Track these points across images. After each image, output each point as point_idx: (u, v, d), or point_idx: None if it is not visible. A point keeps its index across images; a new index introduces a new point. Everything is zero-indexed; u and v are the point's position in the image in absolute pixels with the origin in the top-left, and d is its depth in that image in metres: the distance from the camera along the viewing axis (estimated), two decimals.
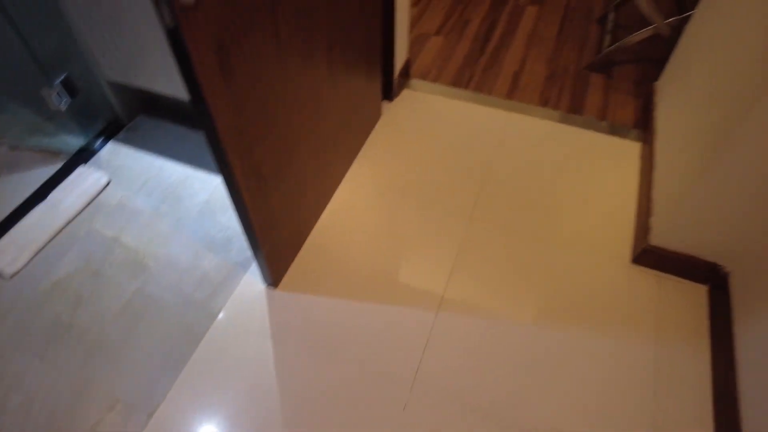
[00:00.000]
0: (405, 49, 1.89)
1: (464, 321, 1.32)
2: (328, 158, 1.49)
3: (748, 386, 1.10)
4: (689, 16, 1.74)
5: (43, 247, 1.49)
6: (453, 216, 1.55)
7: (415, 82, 1.99)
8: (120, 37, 1.53)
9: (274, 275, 1.35)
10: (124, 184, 1.66)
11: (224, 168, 1.00)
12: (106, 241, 1.50)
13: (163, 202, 1.60)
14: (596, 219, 1.53)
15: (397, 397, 1.19)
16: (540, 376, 1.22)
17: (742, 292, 1.25)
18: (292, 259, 1.44)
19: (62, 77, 1.62)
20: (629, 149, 1.73)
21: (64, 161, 1.72)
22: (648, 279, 1.40)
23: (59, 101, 1.63)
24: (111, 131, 1.84)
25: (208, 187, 1.64)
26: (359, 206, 1.58)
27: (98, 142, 1.81)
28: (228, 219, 1.55)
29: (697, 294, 1.37)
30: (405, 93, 1.94)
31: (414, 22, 2.27)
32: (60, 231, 1.53)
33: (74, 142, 1.75)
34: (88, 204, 1.61)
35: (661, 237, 1.34)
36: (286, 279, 1.40)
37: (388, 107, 1.89)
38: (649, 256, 1.39)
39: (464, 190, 1.62)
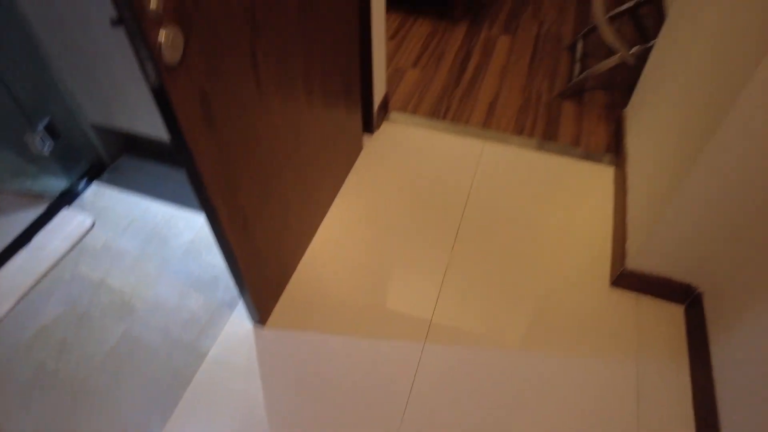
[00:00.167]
0: (383, 83, 1.95)
1: (451, 350, 1.34)
2: (312, 194, 1.52)
3: (725, 400, 1.13)
4: (652, 45, 1.83)
5: (27, 293, 1.49)
6: (436, 247, 1.58)
7: (394, 114, 2.04)
8: (102, 80, 1.56)
9: (261, 313, 1.36)
10: (108, 226, 1.67)
11: (209, 212, 1.02)
12: (91, 285, 1.50)
13: (149, 242, 1.61)
14: (575, 244, 1.58)
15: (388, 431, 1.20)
16: (527, 400, 1.25)
17: (714, 311, 1.29)
18: (279, 296, 1.45)
19: (45, 122, 1.64)
20: (603, 174, 1.79)
21: (48, 204, 1.72)
22: (627, 301, 1.44)
23: (42, 146, 1.65)
24: (94, 172, 1.85)
25: (192, 226, 1.65)
26: (344, 240, 1.61)
27: (82, 184, 1.81)
28: (213, 258, 1.56)
29: (675, 314, 1.41)
30: (385, 126, 1.99)
31: (391, 57, 2.34)
32: (44, 276, 1.53)
33: (57, 184, 1.76)
34: (73, 247, 1.61)
35: (636, 260, 1.39)
36: (274, 316, 1.41)
37: (369, 140, 1.93)
38: (626, 279, 1.43)
39: (446, 220, 1.65)
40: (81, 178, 1.82)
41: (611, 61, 2.00)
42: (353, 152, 1.82)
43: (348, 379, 1.29)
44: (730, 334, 1.19)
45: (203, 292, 1.47)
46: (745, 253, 1.20)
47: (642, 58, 1.92)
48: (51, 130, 1.66)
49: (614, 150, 1.88)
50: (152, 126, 1.65)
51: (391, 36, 2.47)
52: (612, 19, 2.37)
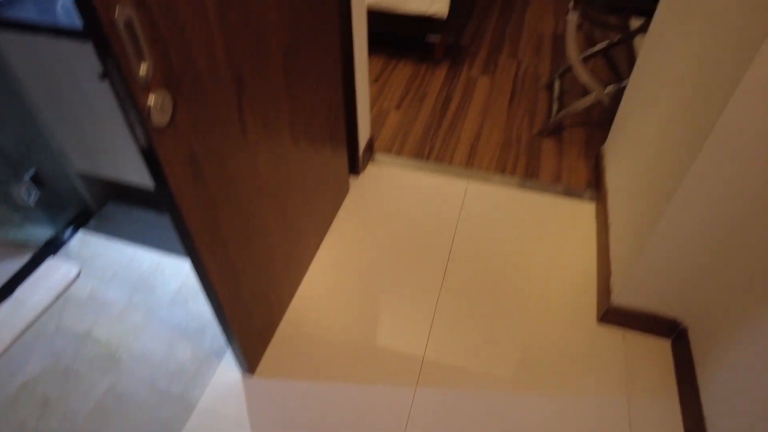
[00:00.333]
0: (368, 125, 2.00)
1: (442, 394, 1.33)
2: (300, 238, 1.53)
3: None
4: (625, 85, 1.91)
5: (9, 348, 1.45)
6: (425, 287, 1.59)
7: (379, 156, 2.08)
8: (89, 130, 1.57)
9: (250, 362, 1.34)
10: (94, 275, 1.65)
11: (197, 265, 1.02)
12: (76, 337, 1.48)
13: (135, 291, 1.60)
14: (561, 281, 1.60)
15: None
16: None
17: (700, 346, 1.31)
18: (268, 343, 1.44)
19: (31, 173, 1.64)
20: (585, 210, 1.83)
21: (32, 253, 1.70)
22: (614, 337, 1.46)
23: (28, 196, 1.64)
24: (81, 220, 1.85)
25: (179, 273, 1.65)
26: (332, 282, 1.61)
27: (68, 232, 1.80)
28: (201, 306, 1.55)
29: (662, 348, 1.43)
30: (371, 167, 2.03)
31: (374, 99, 2.40)
32: (26, 329, 1.50)
33: (42, 233, 1.75)
34: (58, 298, 1.58)
35: (621, 296, 1.41)
36: (263, 364, 1.40)
37: (355, 182, 1.96)
38: (613, 315, 1.45)
39: (434, 260, 1.67)
40: (67, 226, 1.82)
41: (587, 100, 2.07)
42: (340, 194, 1.85)
43: (339, 429, 1.27)
44: (716, 368, 1.21)
45: (191, 342, 1.46)
46: (726, 288, 1.23)
47: (617, 97, 2.00)
48: (37, 180, 1.66)
49: (595, 186, 1.93)
50: (139, 174, 1.66)
51: (375, 79, 2.53)
52: (586, 60, 2.47)
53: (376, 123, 2.27)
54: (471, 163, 2.04)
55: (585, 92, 2.38)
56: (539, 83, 2.52)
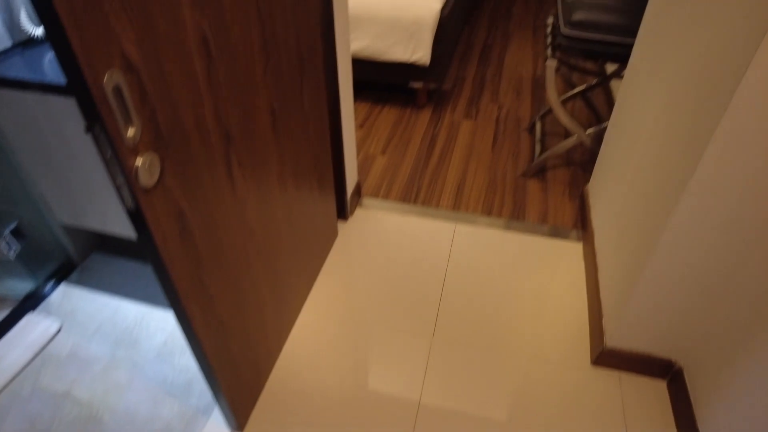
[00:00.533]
0: (355, 170, 2.01)
1: None
2: (289, 288, 1.51)
3: None
4: (605, 126, 1.96)
5: None
6: (417, 334, 1.57)
7: (367, 200, 2.09)
8: (73, 182, 1.56)
9: (238, 418, 1.30)
10: (76, 330, 1.60)
11: (183, 321, 1.00)
12: (54, 398, 1.42)
13: (119, 346, 1.55)
14: (553, 323, 1.59)
15: None
16: None
17: (696, 386, 1.30)
18: (257, 397, 1.40)
19: (12, 226, 1.61)
20: (572, 250, 1.84)
21: (11, 309, 1.65)
22: (610, 379, 1.44)
23: (8, 250, 1.61)
24: (63, 272, 1.81)
25: (165, 327, 1.60)
26: (322, 332, 1.58)
27: (48, 286, 1.76)
28: (187, 360, 1.50)
29: (659, 389, 1.41)
30: (358, 211, 2.03)
31: (360, 144, 2.43)
32: (1, 391, 1.43)
33: (22, 287, 1.70)
34: (36, 356, 1.53)
35: (615, 338, 1.40)
36: (252, 420, 1.35)
37: (343, 227, 1.96)
38: (607, 357, 1.44)
39: (425, 304, 1.65)
40: (48, 279, 1.77)
41: (569, 142, 2.12)
42: (328, 240, 1.84)
43: None
44: (714, 407, 1.19)
45: (177, 398, 1.40)
46: (719, 327, 1.23)
47: (598, 137, 2.05)
48: (18, 233, 1.63)
49: (581, 226, 1.95)
50: (125, 226, 1.64)
51: (360, 125, 2.57)
52: (565, 102, 2.54)
53: (363, 167, 2.29)
54: (458, 205, 2.06)
55: (566, 133, 2.45)
56: (521, 125, 2.58)
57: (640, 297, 1.28)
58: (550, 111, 2.53)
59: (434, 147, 2.42)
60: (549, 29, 2.09)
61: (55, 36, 0.58)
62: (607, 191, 1.69)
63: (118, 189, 0.74)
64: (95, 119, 0.65)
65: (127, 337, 1.58)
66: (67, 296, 1.73)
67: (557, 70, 2.38)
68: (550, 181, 2.19)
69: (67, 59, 0.60)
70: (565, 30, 1.86)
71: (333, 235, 1.88)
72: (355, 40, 2.51)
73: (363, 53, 2.54)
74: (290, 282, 1.51)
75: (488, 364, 1.48)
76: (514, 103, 2.77)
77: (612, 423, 1.33)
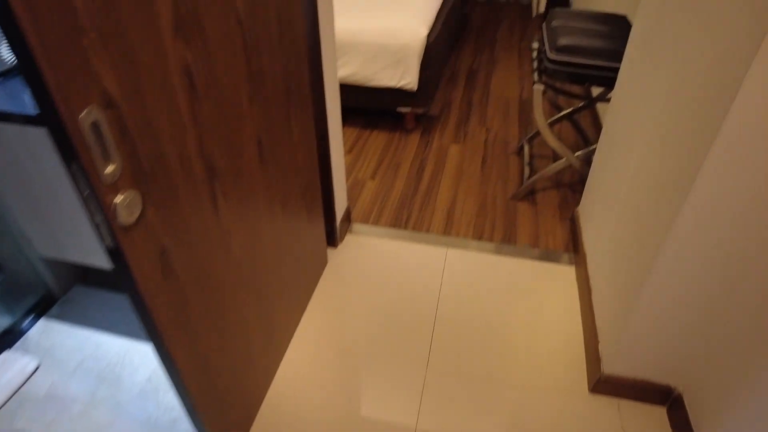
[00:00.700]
0: (344, 196, 1.99)
1: None
2: (277, 319, 1.46)
3: None
4: (594, 148, 1.97)
5: None
6: (411, 361, 1.53)
7: (357, 226, 2.06)
8: (53, 215, 1.51)
9: None
10: (55, 368, 1.54)
11: (166, 362, 0.95)
12: None
13: (101, 383, 1.49)
14: (549, 350, 1.56)
15: None
16: None
17: (696, 412, 1.27)
18: None
19: None
20: (565, 274, 1.82)
21: None
22: (609, 407, 1.41)
23: None
24: (42, 307, 1.74)
25: (149, 361, 1.55)
26: (313, 363, 1.53)
27: (27, 321, 1.69)
28: (172, 397, 1.44)
29: (658, 416, 1.38)
30: (349, 238, 2.00)
31: (349, 169, 2.41)
32: None
33: None
34: (11, 397, 1.46)
35: (612, 365, 1.37)
36: None
37: (333, 254, 1.92)
38: (604, 384, 1.40)
39: (418, 332, 1.62)
40: (27, 314, 1.71)
41: (558, 165, 2.12)
42: (318, 268, 1.80)
43: None
44: None
45: None
46: (717, 351, 1.21)
47: (587, 159, 2.05)
48: None
49: (572, 249, 1.94)
50: (106, 259, 1.59)
51: (349, 149, 2.56)
52: (552, 124, 2.56)
53: (353, 192, 2.26)
54: (448, 230, 2.04)
55: (555, 155, 2.45)
56: (509, 148, 2.59)
57: (637, 321, 1.26)
58: (537, 134, 2.54)
59: (423, 171, 2.41)
60: (535, 54, 2.11)
61: (28, 71, 0.55)
62: (599, 213, 1.68)
63: (96, 227, 0.71)
64: (72, 157, 0.62)
65: (109, 374, 1.51)
66: (46, 331, 1.66)
67: (544, 93, 2.40)
68: (540, 204, 2.18)
69: (41, 95, 0.57)
70: (551, 54, 1.87)
71: (323, 262, 1.85)
72: (342, 67, 2.52)
73: (351, 79, 2.54)
74: (279, 313, 1.47)
75: (484, 393, 1.44)
76: (501, 127, 2.78)
77: None
